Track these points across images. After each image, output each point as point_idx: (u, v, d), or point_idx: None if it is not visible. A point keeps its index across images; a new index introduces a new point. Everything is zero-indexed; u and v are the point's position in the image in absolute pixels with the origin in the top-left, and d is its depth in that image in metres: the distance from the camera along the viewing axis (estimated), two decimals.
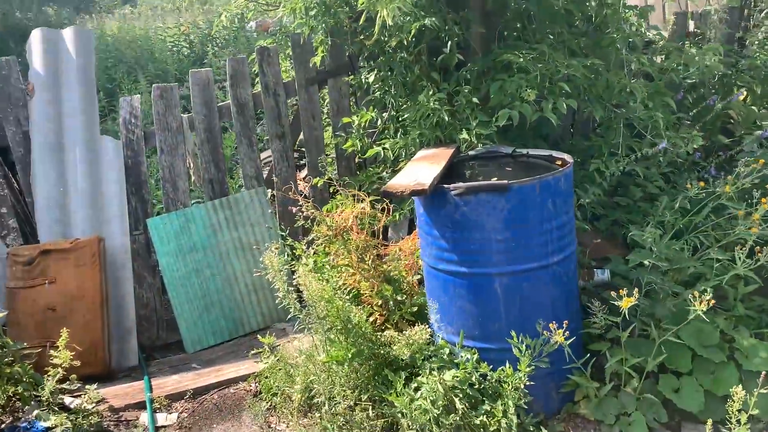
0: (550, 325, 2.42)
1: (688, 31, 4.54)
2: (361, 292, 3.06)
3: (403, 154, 3.56)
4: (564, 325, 2.37)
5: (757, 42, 4.07)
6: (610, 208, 3.63)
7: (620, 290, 2.40)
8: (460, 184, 2.54)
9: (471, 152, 3.16)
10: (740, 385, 2.58)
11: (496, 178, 2.72)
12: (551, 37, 3.48)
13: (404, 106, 3.68)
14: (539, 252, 2.58)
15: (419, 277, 3.17)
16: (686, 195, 2.98)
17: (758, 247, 2.54)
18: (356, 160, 4.33)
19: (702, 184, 2.84)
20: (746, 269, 2.54)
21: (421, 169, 2.78)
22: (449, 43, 3.42)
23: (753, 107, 4.09)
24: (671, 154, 3.33)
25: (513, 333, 2.50)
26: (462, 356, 2.67)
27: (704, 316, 2.36)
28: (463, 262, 2.63)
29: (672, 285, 2.75)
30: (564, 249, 2.66)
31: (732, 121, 4.10)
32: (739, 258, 2.52)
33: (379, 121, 3.91)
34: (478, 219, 2.54)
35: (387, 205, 3.30)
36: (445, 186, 2.56)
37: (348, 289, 3.07)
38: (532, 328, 2.55)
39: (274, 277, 2.77)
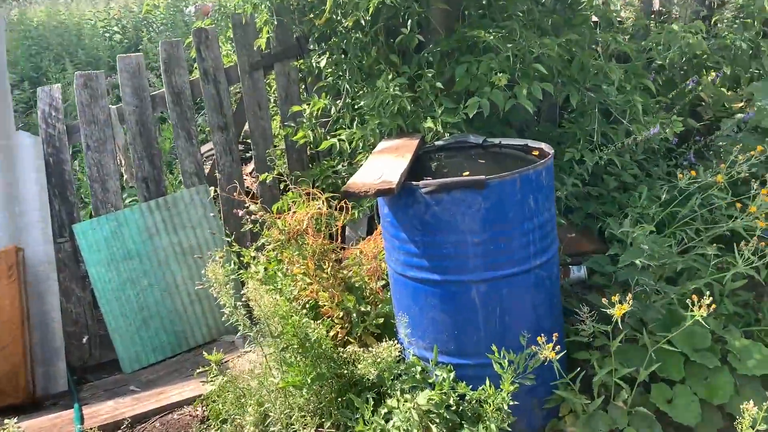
0: (539, 338, 2.14)
1: (653, 9, 4.34)
2: (320, 303, 2.72)
3: (361, 145, 3.22)
4: (554, 339, 2.10)
5: (725, 21, 3.89)
6: (583, 199, 3.39)
7: (613, 296, 2.14)
8: (431, 180, 2.23)
9: (438, 142, 2.85)
10: (736, 392, 2.41)
11: (467, 172, 2.42)
12: (519, 14, 3.19)
13: (360, 92, 3.34)
14: (520, 255, 2.30)
15: (384, 282, 2.86)
16: (673, 185, 2.74)
17: (763, 242, 2.32)
18: (308, 152, 3.98)
19: (693, 173, 2.61)
20: (747, 267, 2.32)
21: (386, 164, 2.45)
22: (409, 21, 3.10)
23: (722, 89, 3.91)
24: (648, 141, 3.10)
25: (494, 347, 2.22)
26: (437, 375, 2.37)
27: (702, 321, 2.14)
28: (435, 269, 2.33)
29: (663, 286, 2.51)
30: (546, 250, 2.39)
31: (702, 103, 3.91)
32: (741, 255, 2.29)
33: (333, 110, 3.55)
34: (452, 219, 2.24)
35: (345, 202, 2.96)
36: (414, 183, 2.24)
37: (305, 300, 2.73)
38: (513, 341, 2.27)
39: (219, 291, 2.41)
